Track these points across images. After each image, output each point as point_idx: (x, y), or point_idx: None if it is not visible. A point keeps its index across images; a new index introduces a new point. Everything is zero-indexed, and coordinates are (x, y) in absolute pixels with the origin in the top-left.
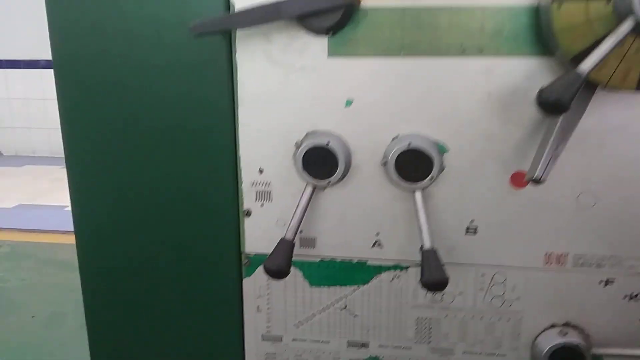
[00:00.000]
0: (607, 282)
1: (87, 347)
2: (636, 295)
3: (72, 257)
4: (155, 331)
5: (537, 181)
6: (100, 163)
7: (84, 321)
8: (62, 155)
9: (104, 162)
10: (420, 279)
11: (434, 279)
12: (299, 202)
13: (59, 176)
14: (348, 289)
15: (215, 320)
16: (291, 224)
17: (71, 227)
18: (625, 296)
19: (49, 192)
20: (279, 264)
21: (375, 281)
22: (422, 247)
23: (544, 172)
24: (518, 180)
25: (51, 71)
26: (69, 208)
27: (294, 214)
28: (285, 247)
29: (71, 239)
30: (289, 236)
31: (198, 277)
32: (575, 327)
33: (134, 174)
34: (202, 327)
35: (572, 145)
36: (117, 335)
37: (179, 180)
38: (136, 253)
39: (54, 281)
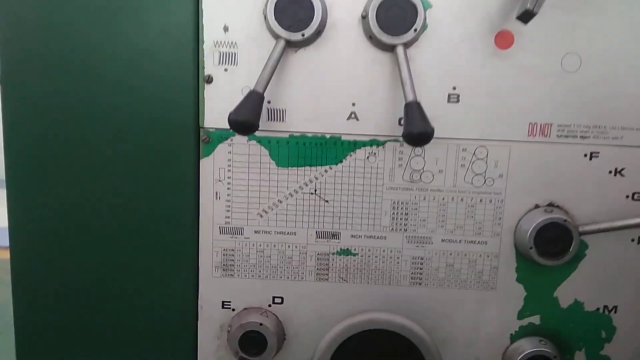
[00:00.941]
0: (592, 155)
1: None
2: (621, 170)
3: None
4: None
5: (529, 14)
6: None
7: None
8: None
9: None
10: (404, 132)
11: (419, 130)
12: (270, 56)
13: None
14: (319, 170)
15: (167, 208)
16: (261, 77)
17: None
18: (611, 171)
19: None
20: (247, 113)
21: (349, 159)
22: (405, 101)
23: (535, 4)
24: (503, 40)
25: None
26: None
27: (264, 67)
28: (254, 98)
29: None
30: (259, 88)
31: (148, 155)
32: (559, 207)
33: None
34: (151, 217)
35: (557, 2)
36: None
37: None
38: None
39: None
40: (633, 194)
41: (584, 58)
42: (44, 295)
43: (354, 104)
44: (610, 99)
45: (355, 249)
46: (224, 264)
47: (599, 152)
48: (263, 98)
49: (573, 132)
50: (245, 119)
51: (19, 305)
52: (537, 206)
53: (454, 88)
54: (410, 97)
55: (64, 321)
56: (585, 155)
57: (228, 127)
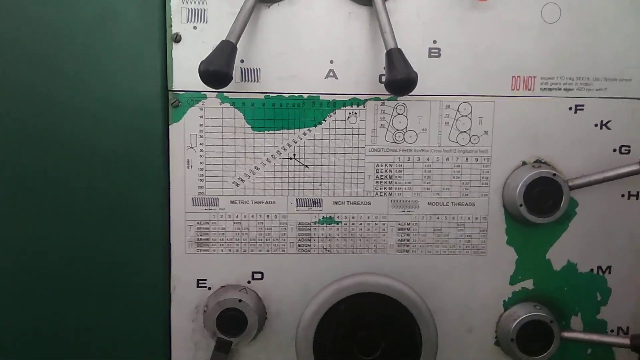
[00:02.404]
0: (576, 109)
1: None
2: (607, 123)
3: None
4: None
5: None
6: None
7: None
8: None
9: None
10: (386, 79)
11: (401, 76)
12: (242, 7)
13: None
14: (298, 133)
15: (135, 178)
16: (233, 27)
17: None
18: (596, 124)
19: None
20: (219, 63)
21: (328, 121)
22: (386, 49)
23: None
24: None
25: None
26: None
27: (236, 18)
28: (227, 47)
29: None
30: (231, 38)
31: (113, 122)
32: (546, 163)
33: None
34: (117, 189)
35: None
36: None
37: None
38: None
39: None
40: (620, 147)
41: (563, 8)
42: None
43: (331, 62)
44: (592, 49)
45: (338, 217)
46: (197, 239)
47: (583, 105)
48: (236, 49)
49: (557, 84)
50: (218, 69)
51: None
52: (524, 163)
53: (435, 42)
54: (391, 45)
55: (23, 309)
56: (570, 109)
57: (198, 89)
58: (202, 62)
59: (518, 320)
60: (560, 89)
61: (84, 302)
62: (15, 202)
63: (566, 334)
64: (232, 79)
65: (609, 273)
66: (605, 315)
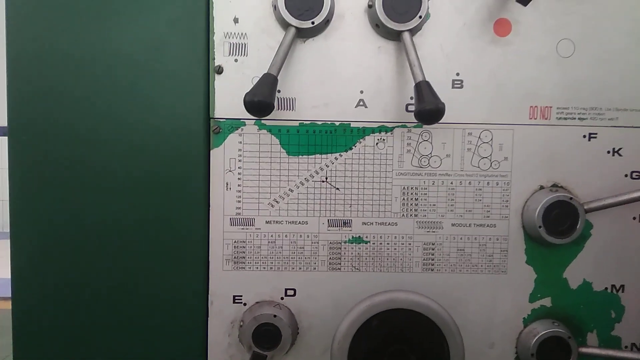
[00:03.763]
0: (590, 136)
1: None
2: (619, 150)
3: None
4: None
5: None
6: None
7: None
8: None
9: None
10: (416, 110)
11: (430, 107)
12: (281, 43)
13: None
14: (329, 157)
15: (178, 200)
16: (274, 61)
17: None
18: (609, 151)
19: None
20: (262, 94)
21: (358, 146)
22: (415, 82)
23: None
24: (501, 27)
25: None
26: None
27: (276, 53)
28: (269, 80)
29: None
30: (272, 71)
31: (160, 147)
32: (562, 187)
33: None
34: (161, 210)
35: None
36: None
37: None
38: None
39: None
40: (631, 173)
41: (577, 43)
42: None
43: (362, 92)
44: (604, 81)
45: (367, 237)
46: (234, 257)
47: (597, 133)
48: (277, 81)
49: (571, 114)
50: (261, 99)
51: (18, 305)
52: (541, 187)
53: (458, 74)
54: (419, 77)
55: (73, 320)
56: (584, 137)
57: (238, 117)
58: (247, 94)
59: (538, 336)
60: (575, 118)
61: (125, 317)
62: (62, 225)
63: (583, 350)
64: (274, 108)
65: (623, 291)
66: (619, 332)
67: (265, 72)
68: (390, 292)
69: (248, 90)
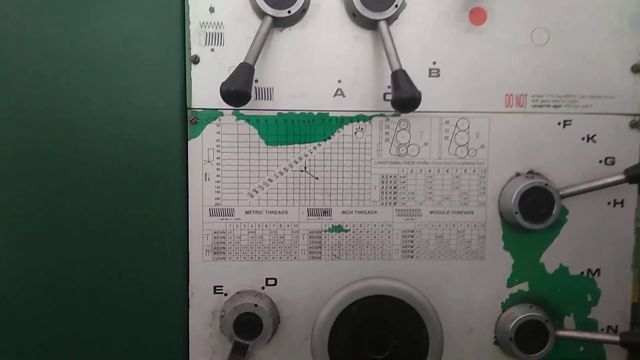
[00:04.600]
0: (565, 123)
1: None
2: (593, 136)
3: None
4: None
5: None
6: None
7: None
8: None
9: None
10: (392, 98)
11: (406, 95)
12: (257, 32)
13: None
14: (308, 147)
15: (156, 191)
16: (250, 50)
17: None
18: (583, 138)
19: None
20: (239, 83)
21: (337, 135)
22: (392, 70)
23: None
24: (476, 16)
25: None
26: None
27: (253, 42)
28: (246, 69)
29: None
30: (249, 61)
31: (136, 139)
32: (538, 174)
33: None
34: (139, 202)
35: None
36: None
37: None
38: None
39: None
40: (605, 159)
41: (551, 32)
42: (20, 287)
43: (339, 81)
44: (578, 69)
45: (346, 225)
46: (214, 247)
47: (571, 120)
48: (253, 70)
49: (546, 101)
50: (238, 88)
51: None
52: (517, 174)
53: (434, 63)
54: (396, 66)
55: (49, 315)
56: (559, 124)
57: (215, 107)
58: (223, 83)
59: (516, 321)
60: (550, 106)
61: (105, 310)
62: (39, 217)
63: (560, 333)
64: (250, 97)
65: (598, 275)
66: (595, 315)
67: (242, 61)
68: (370, 279)
69: (224, 80)
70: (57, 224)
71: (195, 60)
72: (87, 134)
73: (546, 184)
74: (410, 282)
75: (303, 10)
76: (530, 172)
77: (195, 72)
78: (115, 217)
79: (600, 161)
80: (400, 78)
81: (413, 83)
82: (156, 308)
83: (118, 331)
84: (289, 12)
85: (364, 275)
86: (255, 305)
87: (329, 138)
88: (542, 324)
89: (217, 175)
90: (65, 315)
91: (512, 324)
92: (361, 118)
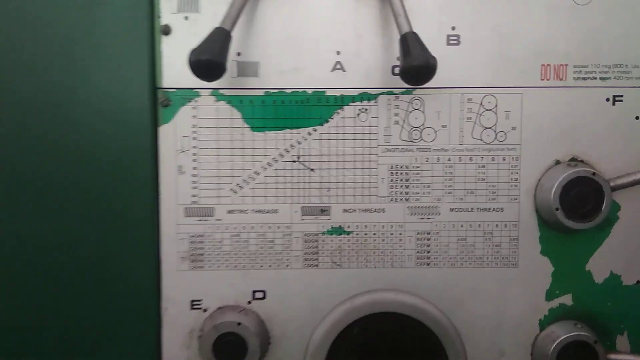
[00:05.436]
0: (614, 100)
1: None
2: None
3: None
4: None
5: None
6: None
7: None
8: None
9: None
10: (401, 66)
11: (418, 62)
12: None
13: None
14: (302, 133)
15: (121, 187)
16: (227, 13)
17: None
18: (638, 117)
19: None
20: (212, 51)
21: (336, 118)
22: (400, 33)
23: None
24: None
25: None
26: None
27: (231, 3)
28: (221, 35)
29: None
30: (226, 25)
31: (97, 125)
32: (583, 162)
33: None
34: (101, 200)
35: None
36: None
37: None
38: None
39: None
40: None
41: None
42: None
43: (338, 53)
44: (631, 32)
45: (349, 227)
46: (191, 254)
47: (622, 96)
48: (230, 37)
49: (592, 73)
50: (210, 58)
51: None
52: (557, 162)
53: (453, 28)
54: (405, 28)
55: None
56: (608, 100)
57: (191, 86)
58: (192, 51)
59: (557, 342)
60: (595, 78)
61: (64, 331)
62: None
63: (613, 356)
64: (226, 70)
65: None
66: None
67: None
68: (375, 292)
69: (194, 48)
70: (7, 233)
71: (166, 30)
72: (39, 116)
73: (593, 174)
74: (426, 296)
75: None
76: (573, 159)
77: (166, 44)
78: (75, 218)
79: None
80: (410, 42)
81: (426, 48)
82: (123, 327)
83: (82, 352)
84: None
85: (370, 287)
86: (239, 323)
87: (327, 122)
88: (590, 346)
89: (194, 168)
90: (19, 332)
91: (553, 345)
92: (365, 97)
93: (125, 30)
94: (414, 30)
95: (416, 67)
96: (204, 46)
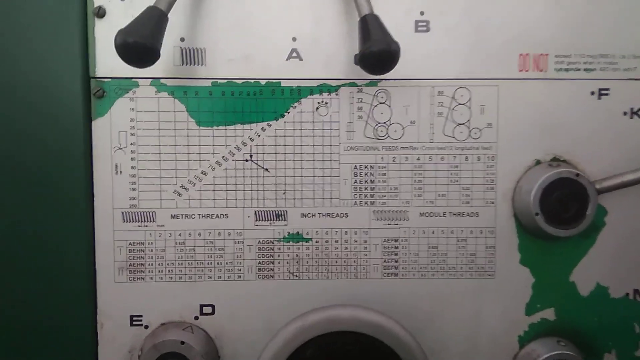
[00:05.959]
0: (600, 93)
1: None
2: (638, 111)
3: None
4: None
5: None
6: None
7: None
8: None
9: None
10: (359, 52)
11: (378, 47)
12: None
13: None
14: (255, 128)
15: (50, 188)
16: None
17: None
18: (625, 112)
19: None
20: (142, 32)
21: (292, 112)
22: (359, 15)
23: None
24: None
25: None
26: None
27: None
28: (154, 14)
29: None
30: (161, 5)
31: (24, 119)
32: (565, 161)
33: None
34: (28, 203)
35: None
36: None
37: None
38: None
39: None
40: None
41: None
42: None
43: (294, 39)
44: (618, 20)
45: (308, 233)
46: (130, 264)
47: (608, 89)
48: (165, 17)
49: (575, 64)
50: (138, 40)
51: None
52: (538, 162)
53: (422, 13)
54: (365, 10)
55: None
56: (593, 94)
57: (129, 75)
58: (119, 32)
59: None
60: (579, 70)
61: None
62: None
63: None
64: (159, 55)
65: None
66: None
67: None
68: (330, 309)
69: (121, 28)
70: None
71: (100, 12)
72: None
73: (577, 175)
74: (395, 309)
75: None
76: (555, 159)
77: (99, 28)
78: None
79: None
80: (370, 25)
81: (388, 32)
82: (54, 345)
83: None
84: None
85: (331, 301)
86: (182, 342)
87: (282, 116)
88: None
89: (132, 167)
90: None
91: None
92: (325, 88)
93: (53, 12)
94: (377, 14)
95: (376, 52)
96: (132, 27)
